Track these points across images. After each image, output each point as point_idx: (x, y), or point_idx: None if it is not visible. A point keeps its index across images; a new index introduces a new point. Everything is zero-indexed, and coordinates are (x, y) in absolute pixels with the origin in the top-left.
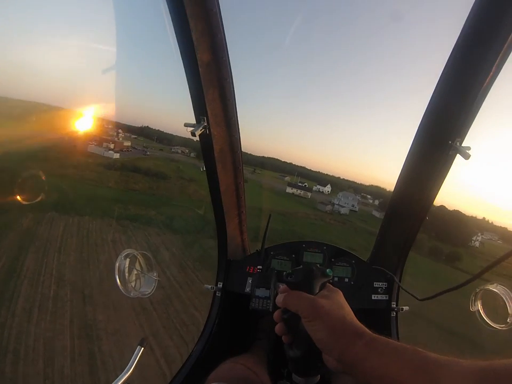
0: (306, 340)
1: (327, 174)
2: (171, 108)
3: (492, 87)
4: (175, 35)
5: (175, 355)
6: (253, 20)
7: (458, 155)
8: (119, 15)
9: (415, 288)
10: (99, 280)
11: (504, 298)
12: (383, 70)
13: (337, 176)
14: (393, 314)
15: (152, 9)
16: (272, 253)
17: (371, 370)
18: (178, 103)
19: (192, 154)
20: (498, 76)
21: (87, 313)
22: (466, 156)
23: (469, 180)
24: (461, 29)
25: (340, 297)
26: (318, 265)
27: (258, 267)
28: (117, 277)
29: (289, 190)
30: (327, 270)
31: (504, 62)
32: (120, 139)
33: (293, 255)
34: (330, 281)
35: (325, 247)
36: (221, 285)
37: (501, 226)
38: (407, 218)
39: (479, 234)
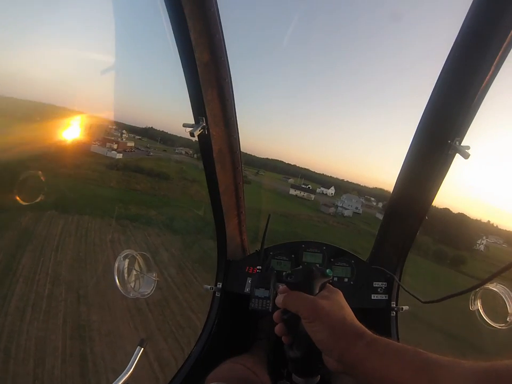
0: (306, 340)
1: (331, 176)
2: (174, 109)
3: (491, 85)
4: (173, 35)
5: (177, 356)
6: (251, 19)
7: (458, 155)
8: (119, 15)
9: (418, 292)
10: (95, 280)
11: (504, 297)
12: (382, 69)
13: (341, 178)
14: (393, 314)
15: (151, 9)
16: (271, 253)
17: (372, 371)
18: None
19: (195, 156)
20: (497, 75)
21: (81, 313)
22: (466, 155)
23: (474, 183)
24: (459, 28)
25: (340, 297)
26: (318, 265)
27: (258, 267)
28: (116, 278)
29: (292, 192)
30: (327, 270)
31: (503, 61)
32: (124, 139)
33: (293, 255)
34: (330, 281)
35: (324, 247)
36: (220, 285)
37: (506, 230)
38: (407, 218)
39: (484, 237)
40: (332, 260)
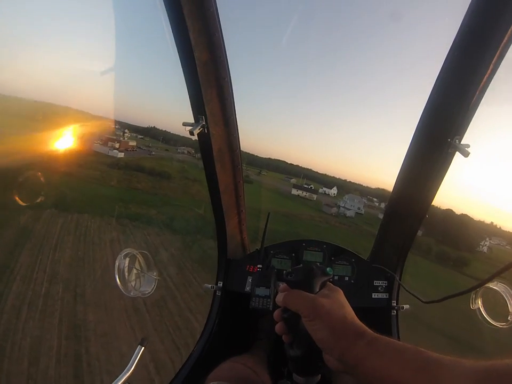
0: (307, 339)
1: (333, 177)
2: (176, 109)
3: (490, 84)
4: (172, 35)
5: (174, 358)
6: (251, 19)
7: (458, 155)
8: (119, 15)
9: (421, 293)
10: (93, 279)
11: (504, 296)
12: (382, 69)
13: (343, 178)
14: (394, 312)
15: (150, 9)
16: (272, 251)
17: (372, 370)
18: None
19: (197, 155)
20: (496, 73)
21: (77, 313)
22: (466, 154)
23: (478, 183)
24: (458, 26)
25: (341, 296)
26: (318, 264)
27: (258, 266)
28: (117, 276)
29: (294, 191)
30: (327, 269)
31: (502, 59)
32: (126, 139)
33: (293, 254)
34: (331, 280)
35: (324, 246)
36: (221, 284)
37: (509, 231)
38: (407, 216)
39: (487, 239)
40: (332, 258)
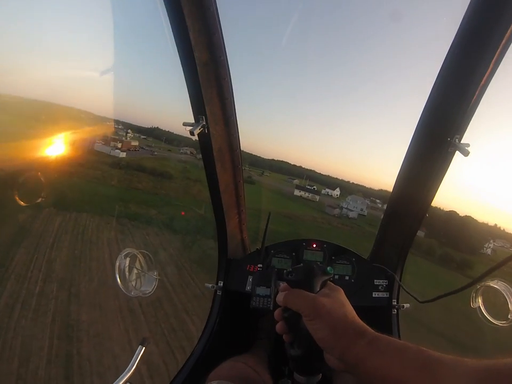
0: (308, 338)
1: (336, 178)
2: (179, 109)
3: (491, 83)
4: (172, 34)
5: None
6: (251, 19)
7: (458, 155)
8: (119, 16)
9: (422, 295)
10: (88, 278)
11: (505, 294)
12: (382, 69)
13: (346, 180)
14: (394, 311)
15: (150, 10)
16: (272, 251)
17: (373, 370)
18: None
19: (199, 156)
20: (496, 72)
21: (71, 312)
22: (466, 153)
23: (481, 185)
24: (458, 26)
25: (341, 295)
26: (319, 263)
27: (259, 265)
28: (117, 276)
29: (297, 192)
30: (328, 268)
31: (502, 58)
32: (128, 139)
33: (293, 253)
34: (331, 279)
35: (325, 245)
36: (221, 284)
37: None
38: (407, 216)
39: (491, 241)
40: (333, 257)
